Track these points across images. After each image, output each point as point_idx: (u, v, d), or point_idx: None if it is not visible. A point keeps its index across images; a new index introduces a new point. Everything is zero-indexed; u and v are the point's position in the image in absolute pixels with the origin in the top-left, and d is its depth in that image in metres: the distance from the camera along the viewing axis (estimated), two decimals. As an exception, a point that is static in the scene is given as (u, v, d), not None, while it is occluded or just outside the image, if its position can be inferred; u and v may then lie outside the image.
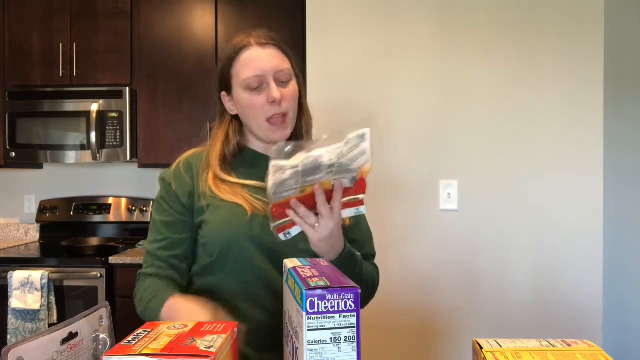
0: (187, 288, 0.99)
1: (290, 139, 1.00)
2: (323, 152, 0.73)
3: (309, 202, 0.80)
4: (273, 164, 0.74)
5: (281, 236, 0.83)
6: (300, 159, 0.72)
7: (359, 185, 0.81)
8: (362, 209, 0.84)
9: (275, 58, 0.95)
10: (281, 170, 0.73)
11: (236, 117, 1.01)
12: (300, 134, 1.02)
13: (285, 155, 0.74)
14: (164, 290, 0.91)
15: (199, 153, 1.02)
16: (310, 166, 0.73)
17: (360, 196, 0.82)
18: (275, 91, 0.92)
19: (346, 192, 0.80)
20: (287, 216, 0.80)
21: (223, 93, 1.00)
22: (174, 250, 0.96)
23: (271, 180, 0.74)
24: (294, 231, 0.83)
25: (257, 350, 0.90)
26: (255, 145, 1.02)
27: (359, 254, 0.94)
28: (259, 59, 0.93)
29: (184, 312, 0.83)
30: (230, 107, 1.00)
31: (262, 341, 0.91)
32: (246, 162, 1.00)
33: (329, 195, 0.79)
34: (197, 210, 0.96)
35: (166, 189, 0.98)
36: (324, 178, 0.77)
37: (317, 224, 0.80)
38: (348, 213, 0.83)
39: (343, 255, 0.87)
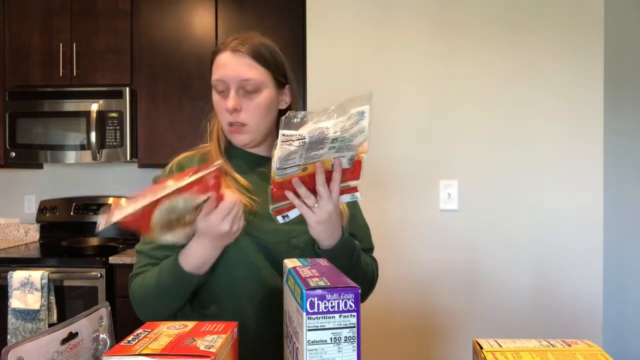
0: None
1: None
2: (329, 125, 0.73)
3: (309, 184, 0.81)
4: (282, 132, 0.73)
5: (279, 218, 0.84)
6: (307, 130, 0.73)
7: (355, 167, 0.82)
8: (357, 195, 0.85)
9: (242, 67, 0.92)
10: (289, 141, 0.73)
11: None
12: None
13: (294, 126, 0.74)
14: (162, 263, 0.92)
15: (191, 155, 1.02)
16: (316, 138, 0.73)
17: (353, 183, 0.84)
18: (230, 100, 0.92)
19: (343, 174, 0.81)
20: (287, 198, 0.81)
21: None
22: (167, 251, 0.95)
23: (278, 152, 0.74)
24: (292, 214, 0.84)
25: (254, 348, 0.90)
26: None
27: (357, 243, 0.94)
28: (225, 65, 0.93)
29: (192, 245, 0.85)
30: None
31: (259, 339, 0.91)
32: (235, 158, 1.01)
33: (328, 177, 0.80)
34: None
35: None
36: (325, 155, 0.77)
37: (316, 205, 0.81)
38: (344, 199, 0.85)
39: (341, 241, 0.88)
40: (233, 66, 0.93)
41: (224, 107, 0.94)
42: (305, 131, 0.73)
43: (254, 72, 0.93)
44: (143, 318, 0.92)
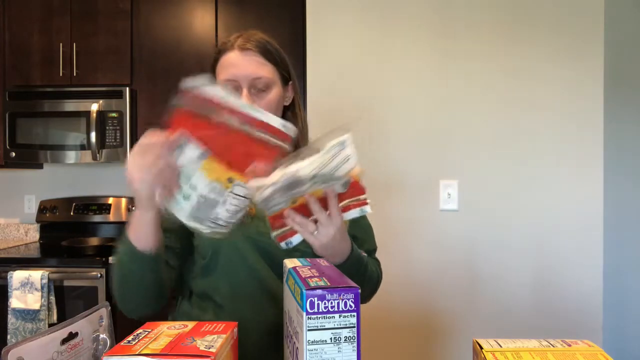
0: (189, 294, 0.99)
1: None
2: (300, 167, 0.71)
3: (305, 211, 0.78)
4: (251, 184, 0.73)
5: (282, 245, 0.81)
6: (278, 176, 0.71)
7: (354, 187, 0.78)
8: (367, 209, 0.80)
9: (252, 65, 0.91)
10: (261, 189, 0.72)
11: None
12: (294, 141, 1.02)
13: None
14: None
15: None
16: (290, 181, 0.71)
17: (362, 196, 0.80)
18: (245, 100, 0.90)
19: (342, 196, 0.78)
20: (286, 225, 0.78)
21: None
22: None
23: (256, 197, 0.73)
24: (296, 240, 0.81)
25: (254, 348, 0.90)
26: None
27: (365, 255, 0.92)
28: (235, 64, 0.91)
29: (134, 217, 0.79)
30: None
31: (259, 339, 0.91)
32: None
33: (324, 202, 0.77)
34: None
35: None
36: (310, 189, 0.74)
37: (316, 232, 0.78)
38: (352, 214, 0.81)
39: (350, 259, 0.86)
40: (244, 65, 0.91)
41: None
42: (276, 177, 0.71)
43: (264, 69, 0.92)
44: (123, 309, 0.88)
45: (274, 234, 0.80)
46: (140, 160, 0.72)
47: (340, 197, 0.78)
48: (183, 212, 0.77)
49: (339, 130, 0.72)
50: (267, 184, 0.71)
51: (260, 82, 0.91)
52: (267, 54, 0.93)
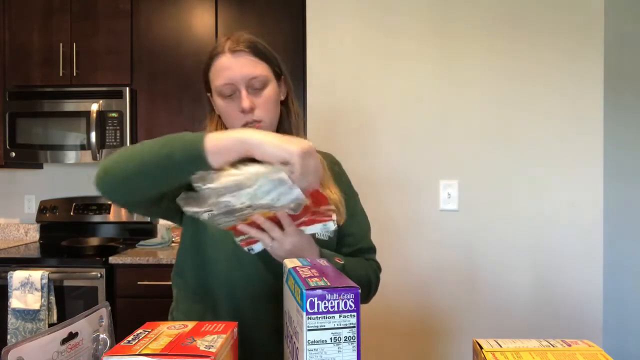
0: (185, 289, 0.99)
1: None
2: (232, 199, 0.71)
3: (257, 224, 0.78)
4: (187, 211, 0.73)
5: (246, 249, 0.81)
6: (211, 204, 0.71)
7: (318, 200, 0.76)
8: (330, 224, 0.78)
9: (246, 66, 0.92)
10: (198, 214, 0.72)
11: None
12: (290, 133, 1.01)
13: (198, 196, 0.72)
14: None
15: None
16: (226, 210, 0.71)
17: (325, 208, 0.77)
18: (245, 101, 0.90)
19: (306, 209, 0.76)
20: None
21: (208, 94, 1.00)
22: None
23: (201, 217, 0.73)
24: (257, 247, 0.81)
25: (254, 348, 0.90)
26: None
27: (341, 262, 0.92)
28: (229, 67, 0.91)
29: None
30: (215, 108, 1.00)
31: (259, 339, 0.91)
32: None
33: (276, 219, 0.77)
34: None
35: None
36: (254, 212, 0.74)
37: (271, 246, 0.79)
38: (314, 229, 0.79)
39: None
40: (237, 66, 0.91)
41: (235, 109, 0.92)
42: (209, 205, 0.71)
43: (258, 68, 0.93)
44: (111, 189, 0.80)
45: (237, 239, 0.80)
46: None
47: (304, 210, 0.76)
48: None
49: (275, 169, 0.71)
50: (202, 211, 0.71)
51: (257, 81, 0.92)
52: (258, 53, 0.93)
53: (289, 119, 1.01)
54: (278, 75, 0.98)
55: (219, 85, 0.92)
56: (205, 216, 0.72)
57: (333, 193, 0.97)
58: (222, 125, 1.00)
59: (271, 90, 0.95)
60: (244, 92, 0.91)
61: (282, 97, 1.00)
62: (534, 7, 1.89)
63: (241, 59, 0.92)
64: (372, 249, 1.09)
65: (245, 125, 0.92)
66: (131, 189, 0.79)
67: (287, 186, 0.71)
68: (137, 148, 0.78)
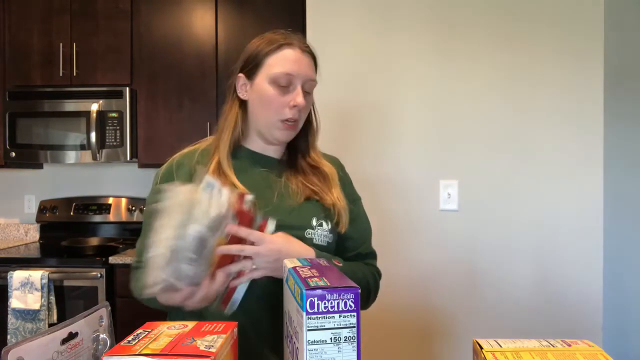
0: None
1: (300, 143, 1.03)
2: (194, 227, 0.72)
3: (227, 259, 0.79)
4: (148, 287, 0.74)
5: (227, 310, 0.82)
6: (174, 244, 0.72)
7: (242, 214, 0.79)
8: (271, 226, 0.83)
9: (310, 67, 0.97)
10: (155, 286, 0.74)
11: (243, 104, 1.00)
12: (307, 137, 1.04)
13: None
14: None
15: (191, 152, 1.01)
16: (196, 244, 0.73)
17: (248, 207, 0.81)
18: (301, 97, 0.93)
19: (245, 222, 0.80)
20: (225, 285, 0.79)
21: (241, 75, 0.98)
22: None
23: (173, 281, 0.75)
24: (238, 296, 0.82)
25: (254, 348, 0.90)
26: (251, 143, 1.01)
27: (339, 265, 0.92)
28: (298, 61, 0.94)
29: None
30: (244, 92, 0.98)
31: (259, 339, 0.91)
32: (240, 161, 0.98)
33: (235, 239, 0.79)
34: None
35: (155, 189, 0.97)
36: (214, 242, 0.76)
37: (254, 265, 0.81)
38: (270, 228, 0.83)
39: None
40: (304, 64, 0.95)
41: (283, 102, 0.94)
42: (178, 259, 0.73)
43: (315, 74, 0.99)
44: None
45: (214, 305, 0.81)
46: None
47: (246, 225, 0.79)
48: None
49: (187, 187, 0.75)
50: (161, 277, 0.73)
51: (312, 84, 0.97)
52: (316, 63, 1.00)
53: (310, 128, 1.05)
54: None
55: (279, 72, 0.93)
56: (182, 282, 0.73)
57: (338, 200, 0.98)
58: (242, 112, 0.99)
59: (312, 98, 1.00)
60: (299, 89, 0.94)
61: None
62: (534, 8, 1.89)
63: (307, 60, 0.97)
64: (372, 254, 1.09)
65: (286, 121, 0.94)
66: (158, 304, 0.90)
67: (217, 187, 0.75)
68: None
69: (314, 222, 0.95)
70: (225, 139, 0.96)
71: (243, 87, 0.98)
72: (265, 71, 0.94)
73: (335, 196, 0.98)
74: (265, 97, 0.94)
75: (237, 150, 1.00)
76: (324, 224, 0.96)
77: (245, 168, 0.98)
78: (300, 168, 1.01)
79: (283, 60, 0.94)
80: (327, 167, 1.02)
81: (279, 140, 0.98)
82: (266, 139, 0.99)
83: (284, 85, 0.93)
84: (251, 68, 0.96)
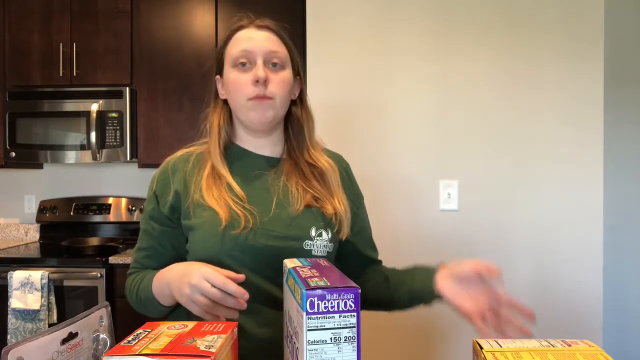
0: None
1: (296, 139, 0.98)
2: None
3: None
4: None
5: None
6: None
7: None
8: None
9: (269, 41, 0.92)
10: None
11: (225, 104, 0.98)
12: (301, 133, 0.98)
13: None
14: (152, 271, 0.93)
15: (187, 155, 0.98)
16: None
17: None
18: (261, 70, 0.88)
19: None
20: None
21: (217, 77, 0.98)
22: (158, 261, 0.95)
23: None
24: None
25: (254, 348, 0.90)
26: (241, 138, 0.99)
27: None
28: (250, 38, 0.91)
29: (173, 270, 0.84)
30: (221, 91, 0.97)
31: (259, 339, 0.90)
32: (232, 160, 0.96)
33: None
34: (183, 213, 0.92)
35: (150, 195, 0.96)
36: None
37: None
38: None
39: None
40: (260, 39, 0.92)
41: (246, 80, 0.90)
42: None
43: (281, 47, 0.93)
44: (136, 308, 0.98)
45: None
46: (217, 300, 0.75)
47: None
48: None
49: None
50: None
51: (276, 56, 0.91)
52: (282, 36, 0.95)
53: (302, 115, 0.99)
54: (295, 71, 0.97)
55: (235, 53, 0.91)
56: None
57: (338, 204, 0.94)
58: (226, 111, 0.97)
59: (288, 74, 0.93)
60: (259, 62, 0.90)
61: (294, 96, 0.99)
62: (534, 7, 1.89)
63: (265, 34, 0.93)
64: (375, 252, 1.10)
65: (256, 98, 0.89)
66: (149, 314, 0.95)
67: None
68: (130, 292, 0.96)
69: (313, 232, 0.91)
70: (214, 141, 0.94)
71: (220, 86, 0.98)
72: (227, 60, 0.93)
73: (337, 201, 0.94)
74: (232, 82, 0.92)
75: (230, 149, 0.97)
76: (324, 233, 0.92)
77: (237, 169, 0.95)
78: (299, 168, 0.96)
79: (237, 42, 0.92)
80: (327, 164, 0.97)
81: (258, 122, 0.92)
82: (248, 127, 0.95)
83: (243, 63, 0.91)
84: (219, 65, 0.97)
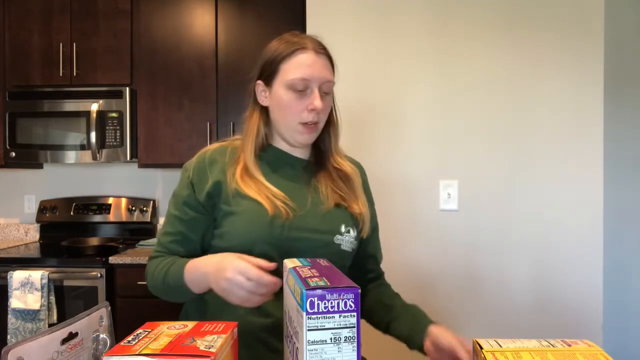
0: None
1: (324, 145, 1.04)
2: None
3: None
4: None
5: None
6: None
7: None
8: None
9: (325, 69, 0.96)
10: None
11: (265, 109, 1.01)
12: (330, 140, 1.04)
13: None
14: (180, 259, 0.94)
15: (223, 148, 1.01)
16: None
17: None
18: (318, 100, 0.93)
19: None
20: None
21: (259, 82, 0.99)
22: (186, 247, 0.97)
23: None
24: None
25: (254, 348, 0.90)
26: (279, 142, 1.03)
27: None
28: (311, 65, 0.94)
29: (208, 262, 0.87)
30: (263, 98, 0.99)
31: (259, 339, 0.91)
32: (269, 160, 1.00)
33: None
34: (219, 203, 0.95)
35: (185, 182, 0.98)
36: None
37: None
38: None
39: None
40: (319, 67, 0.95)
41: (301, 106, 0.94)
42: None
43: (332, 75, 0.98)
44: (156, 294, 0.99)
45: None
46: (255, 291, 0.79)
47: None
48: None
49: None
50: None
51: (329, 85, 0.97)
52: (332, 62, 0.99)
53: (330, 129, 1.04)
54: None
55: (295, 78, 0.93)
56: None
57: (362, 206, 1.02)
58: (265, 117, 1.00)
59: (332, 98, 1.00)
60: (316, 92, 0.94)
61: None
62: (534, 7, 1.89)
63: (322, 61, 0.96)
64: (380, 259, 1.17)
65: (306, 124, 0.95)
66: (170, 299, 0.98)
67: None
68: (155, 276, 0.96)
69: (343, 229, 0.98)
70: (249, 144, 0.98)
71: (262, 94, 0.99)
72: (281, 77, 0.95)
73: (361, 204, 1.02)
74: (283, 103, 0.95)
75: (266, 149, 1.02)
76: (351, 230, 0.99)
77: (275, 168, 1.00)
78: (327, 170, 1.03)
79: (297, 65, 0.94)
80: (350, 169, 1.04)
81: (301, 144, 0.99)
82: (289, 142, 1.00)
83: (300, 89, 0.94)
84: (268, 75, 0.97)
